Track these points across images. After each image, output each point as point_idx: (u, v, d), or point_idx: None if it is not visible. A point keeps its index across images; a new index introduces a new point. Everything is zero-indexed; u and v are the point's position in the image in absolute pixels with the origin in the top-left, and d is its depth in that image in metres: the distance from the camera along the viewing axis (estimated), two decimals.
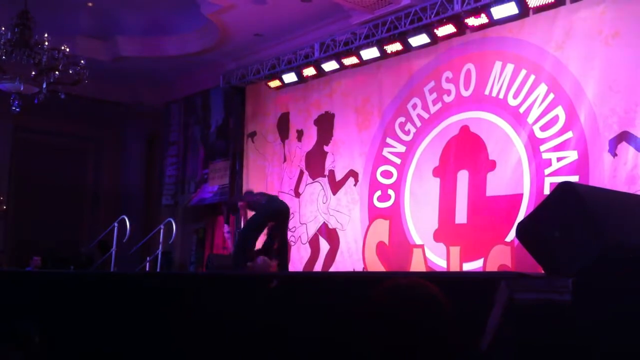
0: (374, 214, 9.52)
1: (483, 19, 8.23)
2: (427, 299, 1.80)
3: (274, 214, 7.94)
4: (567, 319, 2.78)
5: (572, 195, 2.99)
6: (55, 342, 5.12)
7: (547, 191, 7.48)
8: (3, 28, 8.81)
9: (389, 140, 9.53)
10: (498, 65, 8.33)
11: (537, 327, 2.83)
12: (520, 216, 7.69)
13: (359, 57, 9.69)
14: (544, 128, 7.73)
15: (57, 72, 9.14)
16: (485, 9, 8.13)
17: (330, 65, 10.15)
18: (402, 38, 9.11)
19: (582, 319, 2.79)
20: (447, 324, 1.79)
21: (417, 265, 8.52)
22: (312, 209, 10.53)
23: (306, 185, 10.72)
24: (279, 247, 7.94)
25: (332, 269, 9.88)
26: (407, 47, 9.17)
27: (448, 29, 8.62)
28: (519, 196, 7.83)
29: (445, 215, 8.59)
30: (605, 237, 2.80)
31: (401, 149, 9.35)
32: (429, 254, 8.56)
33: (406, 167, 9.23)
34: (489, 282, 3.15)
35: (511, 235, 7.55)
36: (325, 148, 10.52)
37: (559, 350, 2.77)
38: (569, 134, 7.48)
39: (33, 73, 9.31)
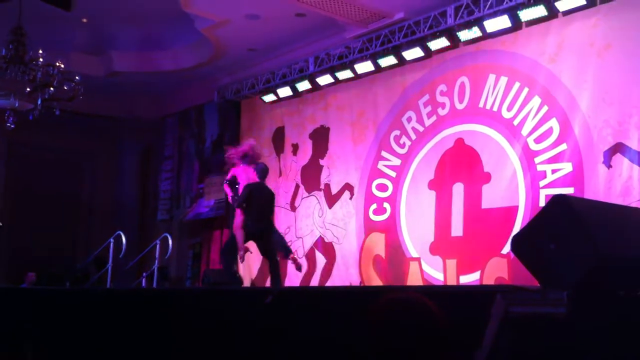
0: (369, 228, 9.51)
1: (476, 32, 8.28)
2: (422, 313, 1.80)
3: (253, 237, 7.80)
4: (562, 330, 2.78)
5: (566, 208, 3.00)
6: (50, 357, 5.10)
7: (542, 203, 7.49)
8: None
9: (384, 154, 9.55)
10: (492, 78, 8.37)
11: (533, 339, 2.83)
12: (516, 228, 7.69)
13: (354, 71, 9.73)
14: (538, 140, 7.76)
15: (51, 88, 9.16)
16: (479, 22, 8.18)
17: (324, 79, 10.18)
18: (396, 52, 9.15)
19: (577, 330, 2.79)
20: (442, 337, 1.79)
21: (413, 279, 8.51)
22: (308, 223, 10.52)
23: (302, 199, 10.72)
24: (270, 262, 7.87)
25: (328, 283, 9.86)
26: (401, 61, 9.21)
27: (442, 42, 8.66)
28: (515, 208, 7.84)
29: (441, 228, 8.59)
30: (599, 249, 2.81)
31: (396, 162, 9.37)
32: (426, 267, 8.55)
33: (401, 180, 9.24)
34: (485, 295, 3.15)
35: (507, 248, 7.55)
36: (321, 162, 10.53)
37: None
38: (563, 146, 7.50)
39: (28, 89, 9.32)
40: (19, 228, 13.31)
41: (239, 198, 7.83)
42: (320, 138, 10.58)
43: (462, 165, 8.53)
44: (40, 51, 8.93)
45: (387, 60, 9.31)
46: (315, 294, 5.12)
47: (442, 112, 8.90)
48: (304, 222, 10.58)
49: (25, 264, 11.91)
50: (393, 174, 9.39)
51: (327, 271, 10.02)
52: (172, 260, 12.38)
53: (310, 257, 10.34)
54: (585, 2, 7.35)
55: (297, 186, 10.82)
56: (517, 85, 8.07)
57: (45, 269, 11.64)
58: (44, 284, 10.92)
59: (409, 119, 9.29)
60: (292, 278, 10.44)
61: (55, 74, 9.05)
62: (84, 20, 11.43)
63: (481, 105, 8.45)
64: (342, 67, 9.86)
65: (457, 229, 8.42)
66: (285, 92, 10.83)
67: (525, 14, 7.80)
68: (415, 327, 1.77)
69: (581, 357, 2.76)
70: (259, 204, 7.70)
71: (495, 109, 8.27)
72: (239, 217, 7.74)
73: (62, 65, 9.15)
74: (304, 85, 10.53)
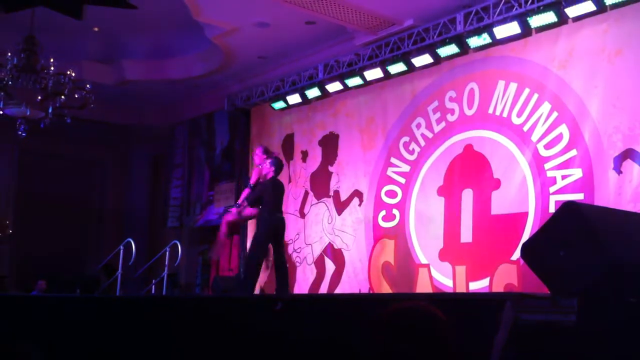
0: (379, 234, 9.51)
1: (486, 39, 8.28)
2: (430, 323, 1.79)
3: (275, 230, 7.82)
4: (572, 337, 2.77)
5: (576, 214, 2.99)
6: None
7: (552, 209, 7.46)
8: (9, 53, 8.90)
9: (393, 160, 9.55)
10: (501, 84, 8.36)
11: (543, 347, 2.81)
12: (526, 235, 7.66)
13: (363, 77, 9.74)
14: (548, 146, 7.73)
15: (63, 97, 9.21)
16: (488, 28, 8.17)
17: (334, 86, 10.20)
18: (406, 58, 9.16)
19: (587, 337, 2.78)
20: (450, 348, 1.79)
21: (423, 285, 8.49)
22: (317, 230, 10.52)
23: (311, 205, 10.72)
24: (277, 264, 7.81)
25: (337, 290, 9.85)
26: (411, 68, 9.22)
27: (451, 49, 8.66)
28: (524, 214, 7.81)
29: (451, 234, 8.57)
30: (608, 256, 2.80)
31: (405, 168, 9.36)
32: (435, 274, 8.53)
33: (411, 187, 9.24)
34: (494, 302, 3.14)
35: (517, 254, 7.52)
36: (330, 168, 10.54)
37: None
38: (573, 152, 7.48)
39: (39, 98, 9.38)
40: (29, 236, 13.38)
41: (252, 196, 7.83)
42: (330, 145, 10.59)
43: (471, 172, 8.52)
44: (52, 60, 9.00)
45: (397, 67, 9.32)
46: (325, 301, 5.12)
47: (451, 118, 8.89)
48: (313, 228, 10.58)
49: (35, 271, 11.96)
50: (402, 180, 9.38)
51: (337, 278, 10.01)
52: (181, 267, 12.41)
53: (319, 263, 10.34)
54: (595, 8, 7.33)
55: (307, 193, 10.83)
56: (526, 91, 8.06)
57: (56, 276, 11.69)
58: (55, 292, 10.97)
59: (418, 126, 9.29)
60: (301, 285, 10.44)
61: (66, 83, 9.11)
62: (95, 29, 11.50)
63: (490, 111, 8.43)
64: (352, 74, 9.88)
65: (466, 235, 8.40)
66: (294, 99, 10.86)
67: (535, 21, 7.79)
68: (423, 337, 1.76)
69: None
70: (276, 196, 7.74)
71: (504, 115, 8.26)
72: (248, 209, 7.80)
73: (73, 74, 9.21)
74: (313, 93, 10.55)
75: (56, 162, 14.36)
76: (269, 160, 7.93)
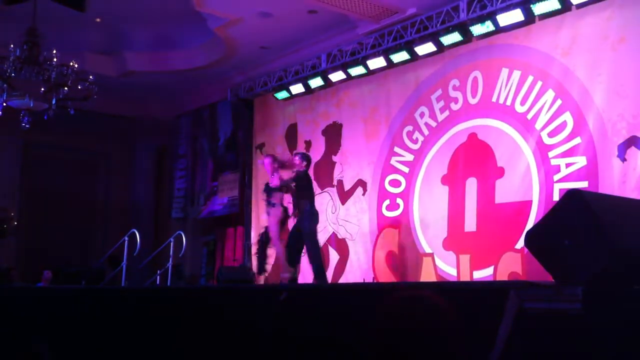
0: (383, 223, 9.51)
1: (489, 27, 8.25)
2: (434, 312, 1.79)
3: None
4: (577, 326, 2.77)
5: (580, 203, 2.98)
6: (65, 357, 5.13)
7: (556, 197, 7.45)
8: (12, 45, 8.89)
9: (397, 149, 9.54)
10: (505, 72, 8.33)
11: (548, 336, 2.82)
12: (530, 223, 7.66)
13: (366, 67, 9.73)
14: (552, 134, 7.72)
15: (66, 88, 9.21)
16: (491, 16, 8.14)
17: (337, 76, 10.18)
18: (409, 47, 9.13)
19: (592, 326, 2.78)
20: (455, 337, 1.79)
21: (427, 274, 8.49)
22: (321, 219, 10.47)
23: (315, 195, 10.70)
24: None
25: (342, 279, 9.87)
26: (414, 56, 9.20)
27: (454, 37, 8.63)
28: (528, 203, 7.81)
29: (455, 223, 8.57)
30: (613, 244, 2.79)
31: (409, 157, 9.35)
32: (439, 263, 8.53)
33: (414, 176, 9.23)
34: (498, 291, 3.14)
35: (521, 243, 7.51)
36: (334, 158, 10.53)
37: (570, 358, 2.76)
38: (577, 140, 7.46)
39: (42, 89, 9.37)
40: (35, 227, 13.43)
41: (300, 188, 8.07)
42: (333, 134, 10.58)
43: (475, 160, 8.51)
44: (55, 51, 8.99)
45: (400, 56, 9.29)
46: (328, 291, 5.13)
47: (455, 107, 8.87)
48: None
49: (41, 263, 12.00)
50: (406, 169, 9.37)
51: (341, 267, 10.03)
52: (186, 258, 12.43)
53: (323, 253, 10.34)
54: None
55: None
56: (530, 79, 8.03)
57: (61, 268, 11.73)
58: (60, 284, 11.00)
59: (422, 115, 9.27)
60: (306, 274, 10.45)
61: (69, 74, 9.10)
62: (98, 20, 11.48)
63: (494, 99, 8.41)
64: (355, 64, 9.85)
65: (470, 224, 8.40)
66: (297, 89, 10.85)
67: (539, 8, 7.76)
68: (426, 326, 1.77)
69: (597, 353, 2.75)
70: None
71: (508, 103, 8.24)
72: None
73: (76, 65, 9.20)
74: (316, 82, 10.54)
75: (60, 154, 14.38)
76: (297, 156, 8.14)
